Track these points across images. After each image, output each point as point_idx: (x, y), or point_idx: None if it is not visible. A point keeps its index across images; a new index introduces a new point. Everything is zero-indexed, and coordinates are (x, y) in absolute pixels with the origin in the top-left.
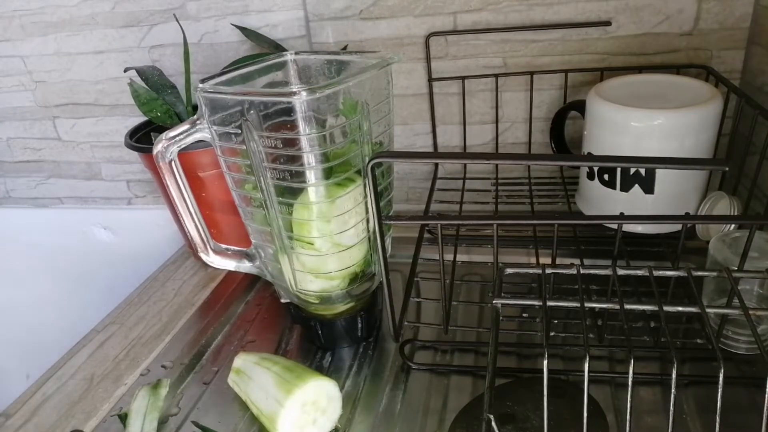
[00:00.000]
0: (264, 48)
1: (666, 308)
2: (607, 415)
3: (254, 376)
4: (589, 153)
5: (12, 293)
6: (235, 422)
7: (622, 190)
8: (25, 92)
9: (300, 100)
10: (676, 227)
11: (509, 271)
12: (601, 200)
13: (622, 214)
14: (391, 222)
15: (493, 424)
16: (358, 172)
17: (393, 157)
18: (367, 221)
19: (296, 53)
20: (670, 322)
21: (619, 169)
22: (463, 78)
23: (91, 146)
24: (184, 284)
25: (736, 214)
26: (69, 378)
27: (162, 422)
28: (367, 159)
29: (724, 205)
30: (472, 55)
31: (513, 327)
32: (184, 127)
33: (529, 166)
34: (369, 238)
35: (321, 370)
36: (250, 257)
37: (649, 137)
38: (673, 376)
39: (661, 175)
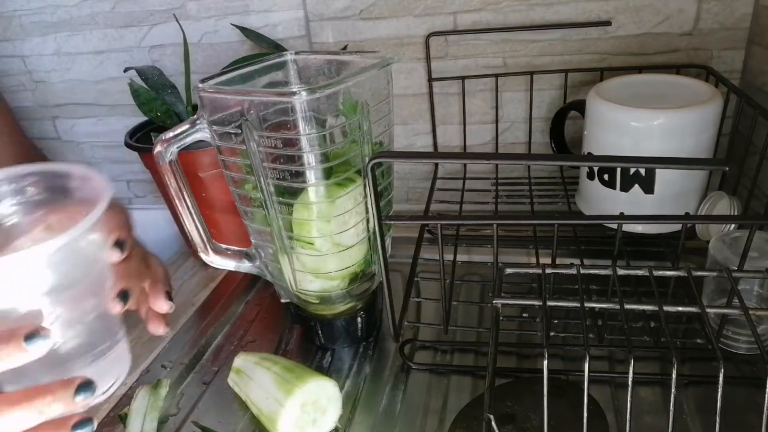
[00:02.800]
0: (264, 48)
1: (666, 308)
2: (607, 415)
3: (254, 376)
4: (589, 153)
5: None
6: (235, 422)
7: (622, 190)
8: (25, 92)
9: (300, 100)
10: (676, 227)
11: (509, 271)
12: (601, 200)
13: (622, 214)
14: (391, 222)
15: (493, 424)
16: (358, 172)
17: (393, 157)
18: (367, 221)
19: (296, 53)
20: (670, 322)
21: (619, 169)
22: (463, 78)
23: (91, 146)
24: (184, 284)
25: (736, 214)
26: None
27: (162, 422)
28: (367, 159)
29: (724, 205)
30: (472, 55)
31: (513, 327)
32: (184, 127)
33: (529, 166)
34: (369, 238)
35: (321, 370)
36: (250, 257)
37: (649, 137)
38: (673, 376)
39: (661, 175)
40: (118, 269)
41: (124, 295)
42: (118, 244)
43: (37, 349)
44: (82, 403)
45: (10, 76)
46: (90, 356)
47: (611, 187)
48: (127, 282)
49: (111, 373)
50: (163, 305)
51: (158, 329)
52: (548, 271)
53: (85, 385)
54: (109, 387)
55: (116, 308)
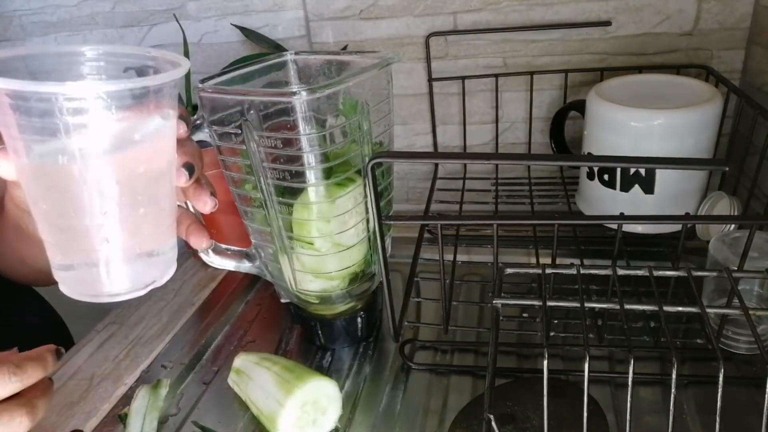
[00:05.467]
0: (264, 48)
1: (666, 308)
2: (607, 415)
3: (254, 376)
4: (589, 153)
5: None
6: (235, 422)
7: (622, 190)
8: None
9: (300, 100)
10: (676, 227)
11: (509, 271)
12: (601, 200)
13: (622, 214)
14: (391, 222)
15: (493, 424)
16: (358, 172)
17: (393, 157)
18: (367, 221)
19: (296, 53)
20: (670, 322)
21: (619, 169)
22: (463, 78)
23: None
24: (184, 284)
25: (736, 214)
26: (69, 378)
27: (162, 422)
28: (367, 159)
29: (724, 205)
30: (472, 55)
31: (513, 327)
32: None
33: (529, 166)
34: (369, 238)
35: (321, 370)
36: (250, 257)
37: (649, 137)
38: (673, 376)
39: (661, 175)
40: (181, 149)
41: (189, 168)
42: (183, 118)
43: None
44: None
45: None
46: (145, 251)
47: (611, 187)
48: (191, 158)
49: (161, 268)
50: (207, 201)
51: (201, 243)
52: (548, 271)
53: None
54: (159, 278)
55: (182, 179)
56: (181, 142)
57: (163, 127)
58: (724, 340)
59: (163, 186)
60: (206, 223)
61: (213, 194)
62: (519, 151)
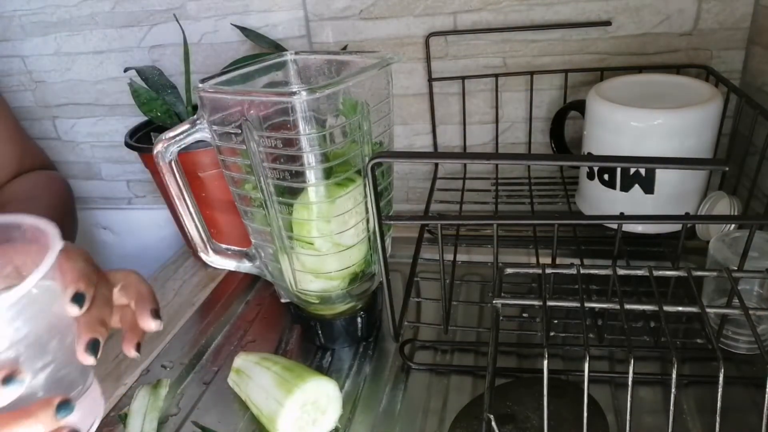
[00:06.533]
0: (264, 48)
1: (666, 308)
2: (607, 415)
3: (254, 376)
4: (589, 153)
5: None
6: (235, 422)
7: (622, 190)
8: (25, 92)
9: (300, 100)
10: (676, 227)
11: (509, 271)
12: (601, 200)
13: (622, 214)
14: (391, 222)
15: (493, 424)
16: (358, 172)
17: (393, 157)
18: (367, 221)
19: (296, 53)
20: (670, 322)
21: (619, 169)
22: (463, 78)
23: (91, 146)
24: (184, 284)
25: (736, 214)
26: None
27: (162, 422)
28: (367, 159)
29: (724, 205)
30: (472, 55)
31: (513, 327)
32: (184, 127)
33: (529, 166)
34: (369, 238)
35: (321, 370)
36: (250, 257)
37: (649, 137)
38: (673, 376)
39: (661, 175)
40: (82, 320)
41: (93, 346)
42: (76, 299)
43: (11, 393)
44: (63, 422)
45: (10, 76)
46: None
47: (611, 187)
48: (93, 331)
49: (85, 420)
50: (150, 324)
51: (129, 352)
52: (548, 271)
53: (64, 404)
54: (87, 431)
55: (88, 361)
56: (82, 318)
57: (41, 309)
58: (724, 340)
59: (55, 355)
60: (206, 223)
61: (155, 312)
62: (519, 151)
